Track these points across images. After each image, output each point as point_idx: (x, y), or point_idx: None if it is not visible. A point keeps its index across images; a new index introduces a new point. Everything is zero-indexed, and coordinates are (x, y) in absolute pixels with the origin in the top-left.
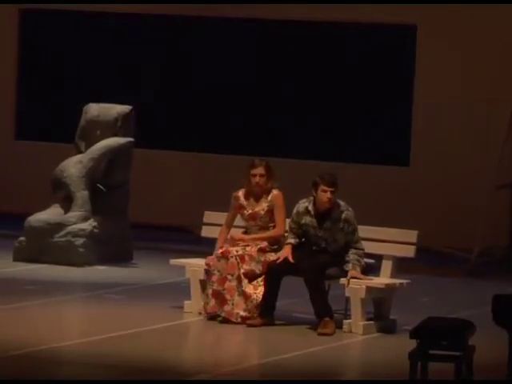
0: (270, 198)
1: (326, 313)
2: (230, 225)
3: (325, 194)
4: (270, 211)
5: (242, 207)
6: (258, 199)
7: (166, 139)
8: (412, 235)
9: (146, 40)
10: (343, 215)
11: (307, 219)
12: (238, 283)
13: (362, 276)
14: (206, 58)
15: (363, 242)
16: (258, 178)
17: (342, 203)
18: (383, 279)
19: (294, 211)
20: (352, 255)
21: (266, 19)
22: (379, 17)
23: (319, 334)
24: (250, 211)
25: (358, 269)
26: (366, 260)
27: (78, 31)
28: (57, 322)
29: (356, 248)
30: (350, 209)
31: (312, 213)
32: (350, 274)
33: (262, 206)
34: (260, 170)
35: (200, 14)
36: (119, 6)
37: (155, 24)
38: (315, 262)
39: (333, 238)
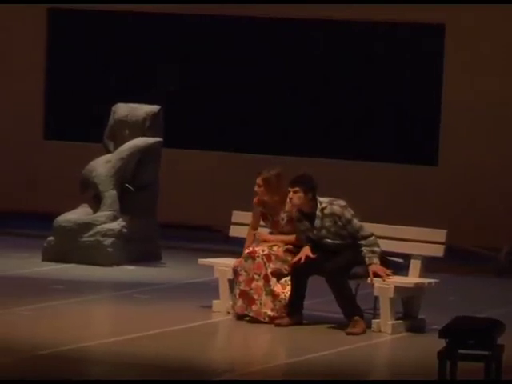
0: (287, 207)
1: (353, 312)
2: (255, 227)
3: (289, 195)
4: (290, 220)
5: (264, 215)
6: (271, 209)
7: (195, 139)
8: (441, 234)
9: (174, 39)
10: (327, 210)
11: (302, 225)
12: (265, 282)
13: (381, 270)
14: (235, 54)
15: (395, 242)
16: (256, 187)
17: (324, 199)
18: (412, 278)
19: (295, 221)
20: (364, 248)
21: (288, 18)
22: (407, 16)
23: (347, 334)
24: (271, 220)
25: (376, 260)
26: (395, 259)
27: (106, 31)
28: (85, 322)
29: (363, 237)
30: (335, 202)
31: (301, 217)
32: (370, 271)
33: (282, 216)
34: (258, 180)
35: (224, 14)
36: (147, 6)
37: (182, 24)
38: (336, 262)
39: (332, 234)
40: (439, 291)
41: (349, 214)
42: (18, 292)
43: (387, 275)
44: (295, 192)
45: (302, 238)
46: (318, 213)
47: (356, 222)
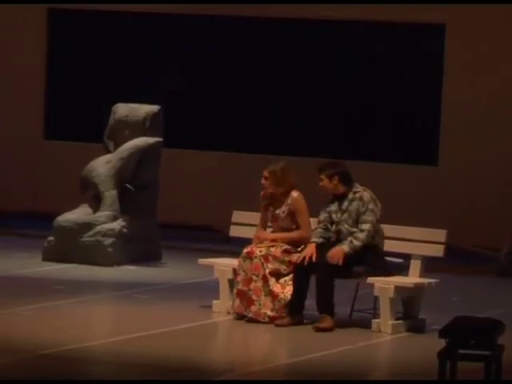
0: (289, 201)
1: (324, 310)
2: (264, 225)
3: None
4: (290, 214)
5: (266, 208)
6: (276, 201)
7: (195, 139)
8: (441, 234)
9: (174, 39)
10: (358, 194)
11: (332, 205)
12: (263, 283)
13: (335, 254)
14: (235, 54)
15: (395, 242)
16: (262, 180)
17: (359, 186)
18: (412, 278)
19: (325, 202)
20: (350, 236)
21: (288, 18)
22: (407, 16)
23: (316, 330)
24: (273, 212)
25: (345, 246)
26: (395, 260)
27: (106, 31)
28: (86, 322)
29: (359, 229)
30: (368, 190)
31: (333, 199)
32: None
33: (283, 209)
34: (265, 173)
35: (224, 14)
36: (147, 6)
37: (182, 24)
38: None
39: (352, 220)
40: (439, 291)
41: (372, 205)
42: (18, 292)
43: (337, 260)
44: (321, 180)
45: (321, 224)
46: (350, 195)
47: (369, 215)
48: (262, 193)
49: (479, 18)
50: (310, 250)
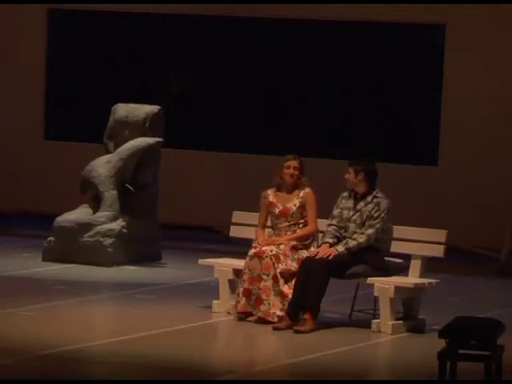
0: (301, 194)
1: (310, 309)
2: (264, 225)
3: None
4: (302, 207)
5: (272, 205)
6: (289, 194)
7: (195, 139)
8: (441, 235)
9: (174, 40)
10: (377, 200)
11: (346, 201)
12: (273, 283)
13: (323, 251)
14: (233, 57)
15: (395, 242)
16: (292, 170)
17: (381, 193)
18: (412, 279)
19: (340, 197)
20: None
21: (288, 18)
22: (408, 16)
23: (295, 331)
24: (281, 207)
25: (339, 247)
26: (395, 260)
27: (106, 31)
28: (86, 322)
29: (360, 232)
30: (386, 199)
31: (351, 195)
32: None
33: (294, 202)
34: (295, 163)
35: (224, 14)
36: (146, 6)
37: (183, 24)
38: (331, 259)
39: (361, 220)
40: (439, 291)
41: (383, 213)
42: (18, 292)
43: (324, 255)
44: (348, 172)
45: (334, 219)
46: (369, 198)
47: (378, 222)
48: (269, 191)
49: (479, 18)
50: (324, 251)
